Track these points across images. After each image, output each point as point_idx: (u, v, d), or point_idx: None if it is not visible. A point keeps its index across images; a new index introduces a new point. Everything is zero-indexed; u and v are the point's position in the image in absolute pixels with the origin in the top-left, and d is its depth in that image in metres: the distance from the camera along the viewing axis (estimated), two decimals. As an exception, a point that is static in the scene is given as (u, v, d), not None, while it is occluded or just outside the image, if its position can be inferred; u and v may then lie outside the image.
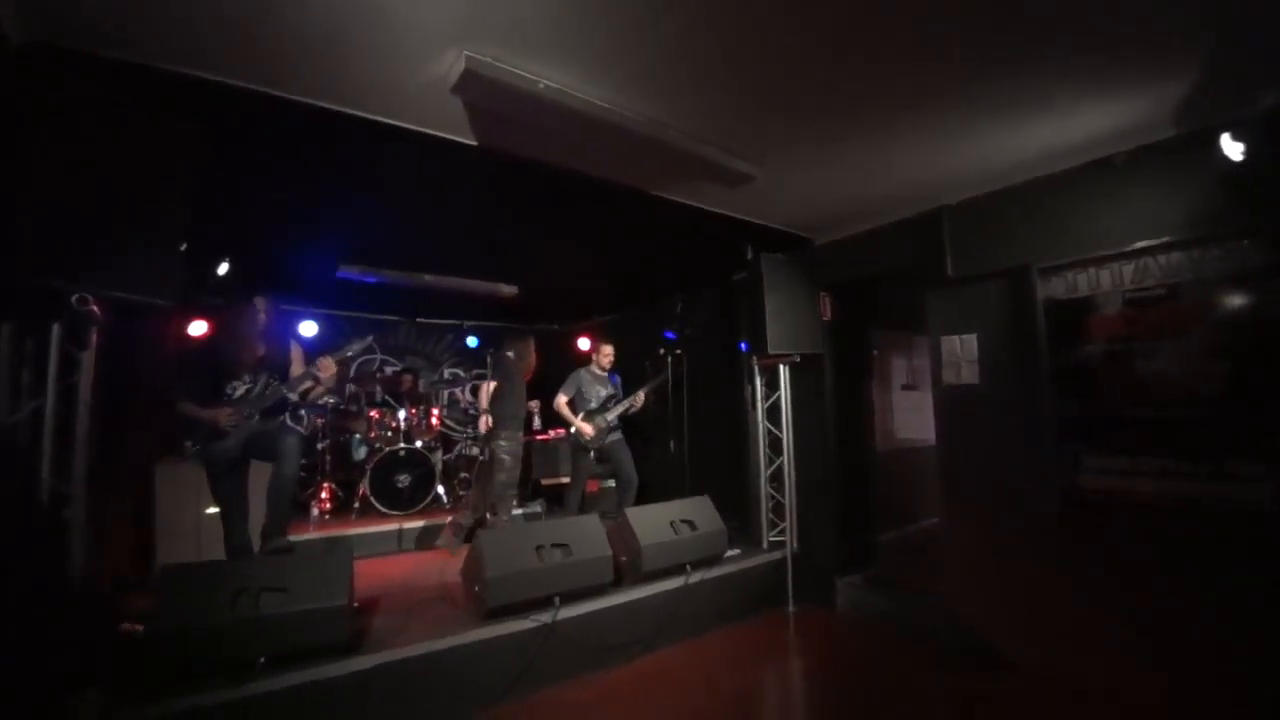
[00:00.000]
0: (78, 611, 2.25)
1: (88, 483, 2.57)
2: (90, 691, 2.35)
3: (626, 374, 5.57)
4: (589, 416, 5.15)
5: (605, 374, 5.38)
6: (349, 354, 3.76)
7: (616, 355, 5.50)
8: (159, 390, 3.87)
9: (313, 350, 3.88)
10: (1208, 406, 2.96)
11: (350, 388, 6.99)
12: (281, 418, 3.68)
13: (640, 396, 5.37)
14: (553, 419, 5.64)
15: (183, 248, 2.56)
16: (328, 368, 3.56)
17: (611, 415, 5.22)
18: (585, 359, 5.57)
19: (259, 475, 3.59)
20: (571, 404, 5.19)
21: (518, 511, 6.10)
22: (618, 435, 5.30)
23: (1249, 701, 2.71)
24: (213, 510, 3.68)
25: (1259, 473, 2.79)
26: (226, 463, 3.42)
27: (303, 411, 6.07)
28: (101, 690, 2.37)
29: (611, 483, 5.81)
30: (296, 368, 3.68)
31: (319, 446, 6.18)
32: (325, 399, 4.38)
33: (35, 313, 2.36)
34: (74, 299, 2.26)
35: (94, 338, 2.58)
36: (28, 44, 2.24)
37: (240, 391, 3.51)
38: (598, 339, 5.54)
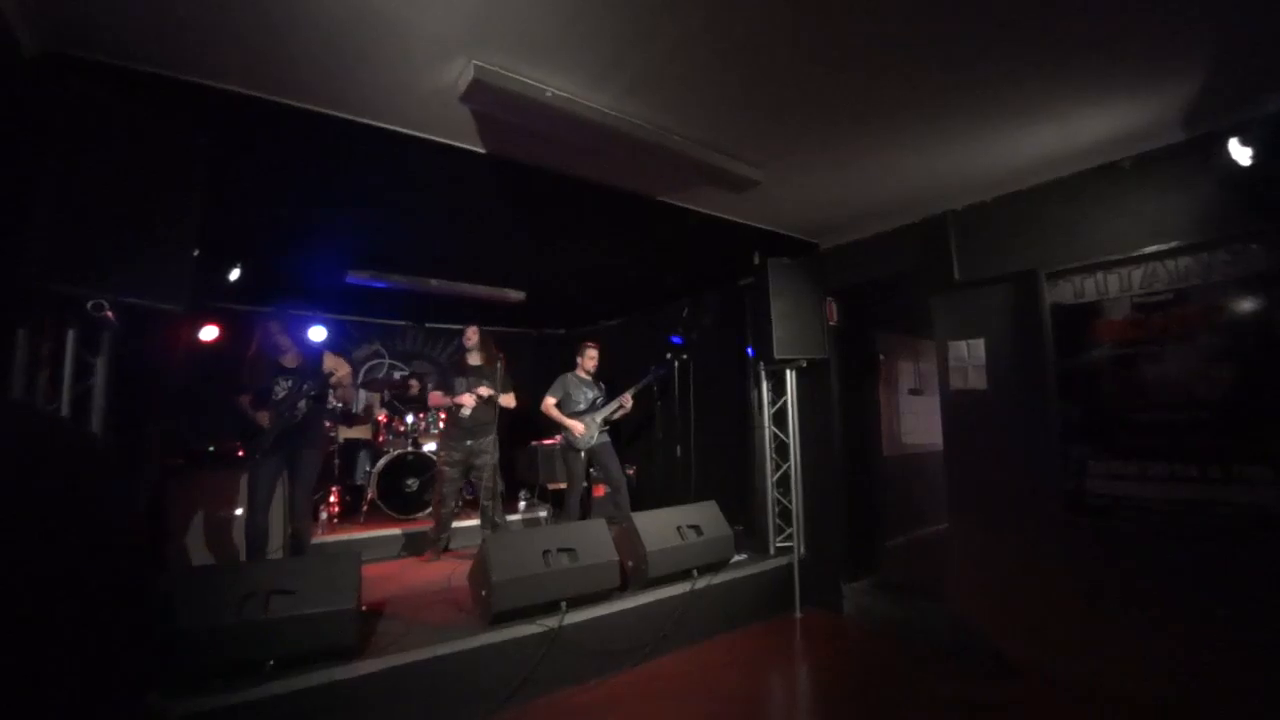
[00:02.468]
0: (133, 612, 2.29)
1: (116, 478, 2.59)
2: (151, 695, 2.38)
3: (631, 379, 5.57)
4: (578, 418, 5.17)
5: (591, 378, 5.39)
6: (353, 358, 4.11)
7: (623, 360, 5.51)
8: (180, 393, 4.32)
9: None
10: (1215, 410, 2.93)
11: (360, 393, 7.03)
12: (309, 412, 4.05)
13: (628, 398, 5.38)
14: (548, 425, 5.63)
15: (195, 254, 2.59)
16: (342, 367, 4.18)
17: (600, 417, 5.24)
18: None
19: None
20: (560, 407, 5.20)
21: (515, 517, 6.14)
22: (605, 438, 5.31)
23: (1259, 705, 2.68)
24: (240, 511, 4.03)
25: (1267, 476, 2.76)
26: (264, 451, 3.91)
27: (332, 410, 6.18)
28: (162, 692, 2.41)
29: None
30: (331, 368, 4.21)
31: (331, 448, 6.23)
32: (336, 404, 4.76)
33: (51, 318, 2.40)
34: (89, 305, 2.29)
35: (108, 343, 2.62)
36: (41, 53, 2.29)
37: (283, 394, 3.98)
38: (585, 343, 5.54)
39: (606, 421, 5.32)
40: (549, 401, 5.21)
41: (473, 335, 5.20)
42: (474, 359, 5.14)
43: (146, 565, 2.62)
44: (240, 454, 4.60)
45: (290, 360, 4.10)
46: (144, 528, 3.85)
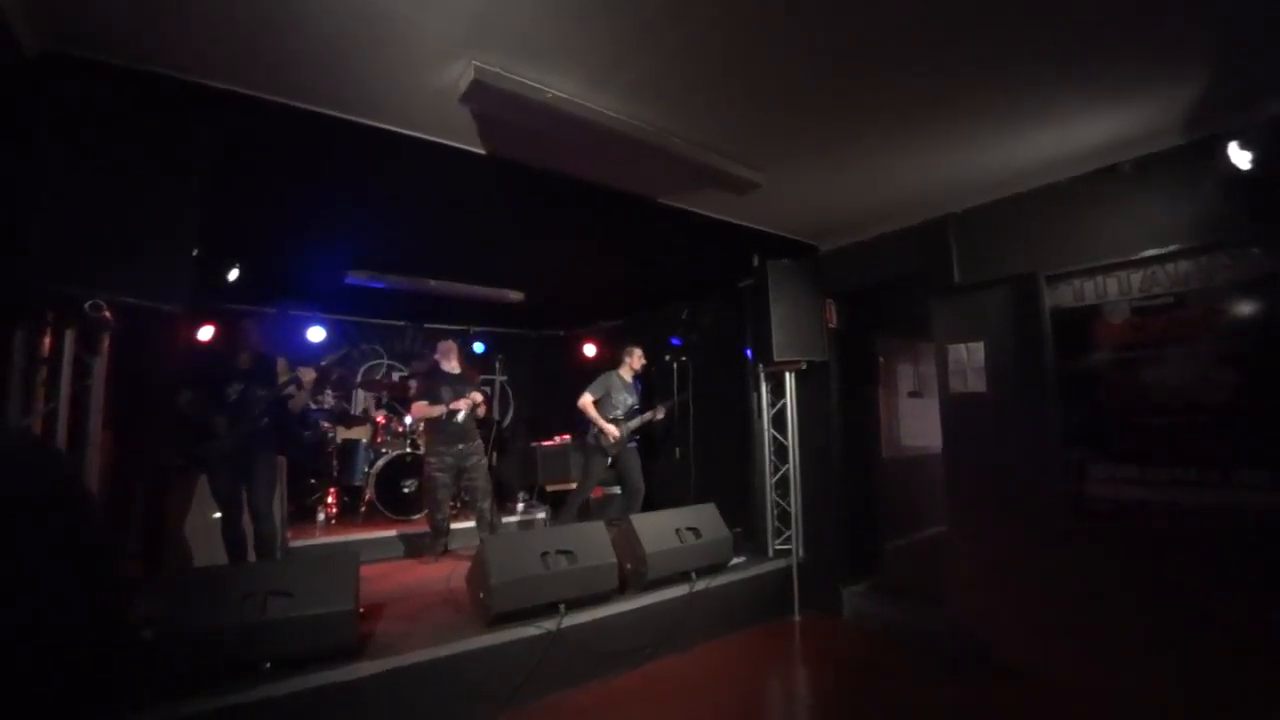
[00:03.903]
0: (95, 617, 2.27)
1: (99, 486, 2.59)
2: (109, 701, 2.36)
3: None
4: (614, 422, 5.14)
5: (632, 381, 5.35)
6: (323, 364, 4.19)
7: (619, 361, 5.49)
8: (168, 393, 4.09)
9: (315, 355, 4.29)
10: (1215, 414, 2.94)
11: (359, 394, 7.03)
12: (266, 421, 3.93)
13: (661, 411, 5.35)
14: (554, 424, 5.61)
15: (194, 253, 2.59)
16: (306, 374, 3.98)
17: (633, 424, 5.21)
18: (593, 365, 5.53)
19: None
20: (598, 406, 5.13)
21: (513, 519, 6.13)
22: (632, 443, 5.30)
23: (1258, 708, 2.68)
24: (219, 515, 3.87)
25: (1266, 480, 2.76)
26: (220, 459, 3.79)
27: (310, 418, 6.17)
28: (118, 698, 2.38)
29: (616, 489, 5.79)
30: (305, 372, 4.03)
31: (329, 449, 6.23)
32: (312, 402, 4.81)
33: (49, 318, 2.39)
34: (87, 305, 2.29)
35: (106, 343, 2.61)
36: (41, 53, 2.28)
37: (234, 397, 3.86)
38: (628, 344, 5.46)
39: (635, 430, 5.30)
40: (587, 399, 5.13)
41: (448, 348, 5.24)
42: (452, 367, 5.19)
43: (113, 578, 2.57)
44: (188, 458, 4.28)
45: (243, 362, 3.96)
46: (111, 537, 3.74)
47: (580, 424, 5.50)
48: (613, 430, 5.08)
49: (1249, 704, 2.71)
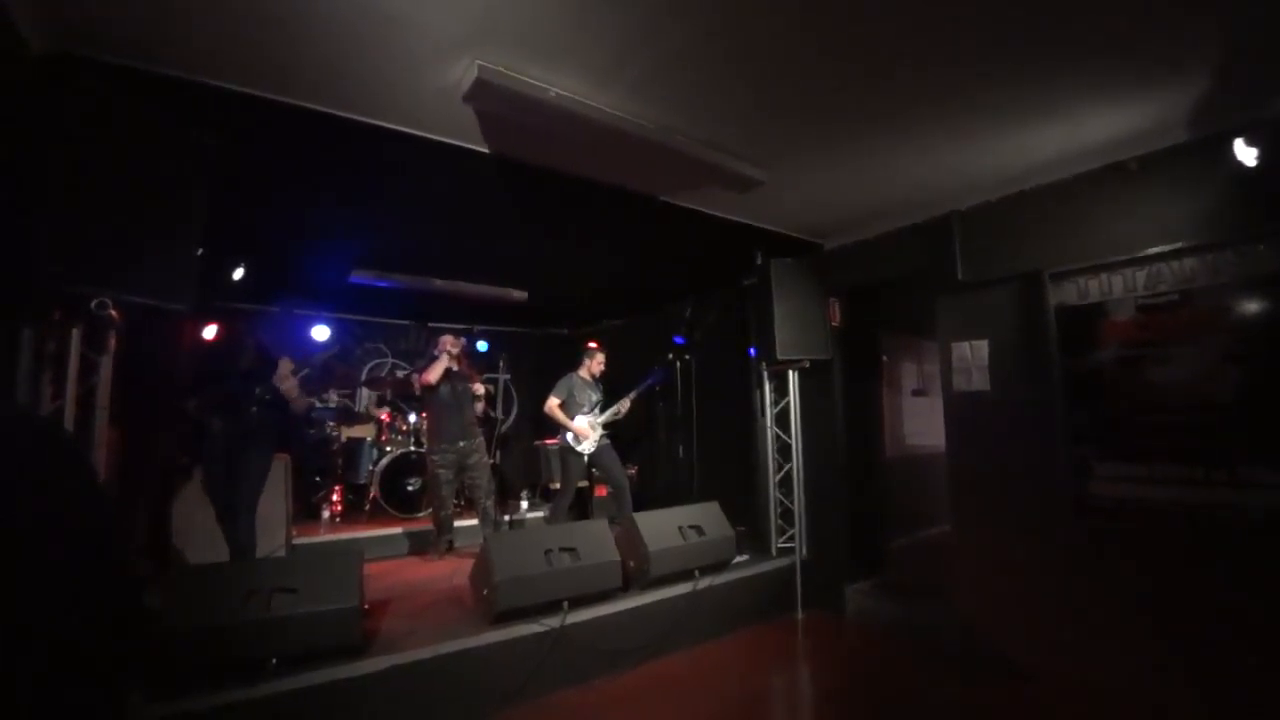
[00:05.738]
0: (121, 612, 2.29)
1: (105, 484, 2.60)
2: (133, 694, 2.38)
3: (632, 380, 5.57)
4: (581, 421, 5.17)
5: (594, 380, 5.37)
6: (315, 361, 4.26)
7: (626, 360, 5.49)
8: (173, 392, 4.14)
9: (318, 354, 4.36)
10: (1221, 412, 2.92)
11: (363, 392, 7.05)
12: (258, 420, 3.92)
13: (626, 403, 5.36)
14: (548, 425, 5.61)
15: (199, 253, 2.60)
16: (284, 366, 4.01)
17: (601, 420, 5.23)
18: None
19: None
20: (563, 408, 5.16)
21: (532, 514, 6.15)
22: (606, 440, 5.30)
23: (1267, 708, 2.66)
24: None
25: (1272, 479, 2.75)
26: (214, 457, 3.81)
27: (312, 415, 6.20)
28: (142, 691, 2.41)
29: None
30: (284, 378, 4.07)
31: (334, 448, 6.26)
32: (317, 400, 4.87)
33: (56, 317, 2.40)
34: (93, 303, 2.30)
35: (112, 342, 2.62)
36: (48, 53, 2.29)
37: (228, 395, 3.87)
38: (593, 345, 5.51)
39: (606, 425, 5.32)
40: (553, 403, 5.14)
41: (452, 344, 5.24)
42: (453, 364, 5.21)
43: (126, 566, 2.61)
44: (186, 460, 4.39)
45: (244, 362, 3.98)
46: (133, 529, 3.80)
47: (552, 429, 5.54)
48: (583, 429, 5.10)
49: (1258, 705, 2.70)
